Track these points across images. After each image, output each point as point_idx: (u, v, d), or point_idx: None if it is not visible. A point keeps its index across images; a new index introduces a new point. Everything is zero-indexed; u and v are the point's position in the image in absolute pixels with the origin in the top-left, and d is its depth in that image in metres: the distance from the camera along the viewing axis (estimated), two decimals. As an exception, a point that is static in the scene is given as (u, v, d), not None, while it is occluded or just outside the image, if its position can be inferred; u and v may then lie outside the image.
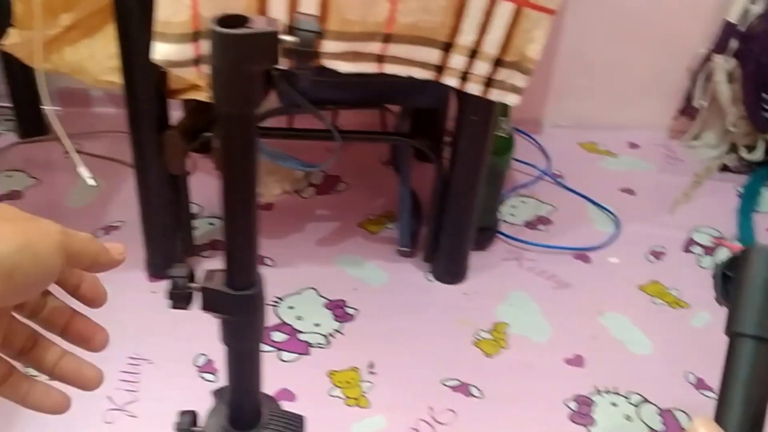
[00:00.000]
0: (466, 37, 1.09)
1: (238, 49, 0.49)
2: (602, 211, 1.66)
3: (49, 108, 1.33)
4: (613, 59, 1.86)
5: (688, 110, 1.91)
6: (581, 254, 1.53)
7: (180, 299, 0.60)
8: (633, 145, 1.92)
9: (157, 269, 1.37)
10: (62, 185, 1.58)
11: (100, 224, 1.48)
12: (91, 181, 1.26)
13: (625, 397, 1.22)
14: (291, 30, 0.49)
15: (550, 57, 1.84)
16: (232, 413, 0.69)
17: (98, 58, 1.26)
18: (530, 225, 1.60)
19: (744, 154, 1.84)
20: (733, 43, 1.75)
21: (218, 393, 0.75)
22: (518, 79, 1.14)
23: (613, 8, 1.77)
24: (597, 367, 1.28)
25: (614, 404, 1.21)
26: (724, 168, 1.84)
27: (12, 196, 1.53)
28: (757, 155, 1.83)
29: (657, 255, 1.55)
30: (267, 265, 1.42)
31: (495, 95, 1.15)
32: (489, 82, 1.14)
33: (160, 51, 1.05)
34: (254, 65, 0.50)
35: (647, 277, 1.48)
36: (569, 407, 1.20)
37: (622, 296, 1.44)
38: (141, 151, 1.23)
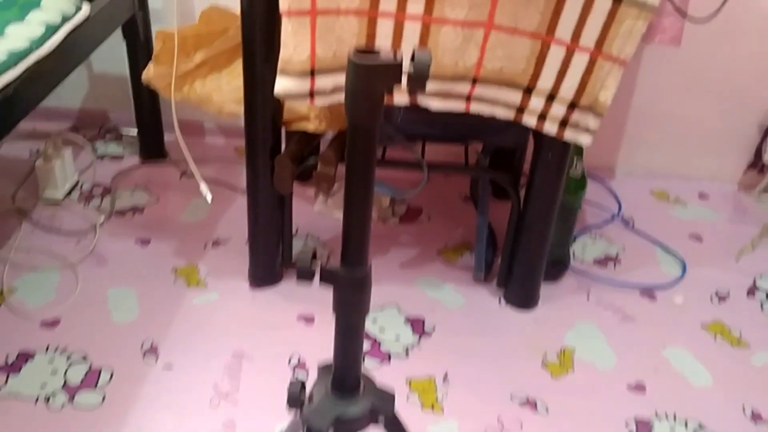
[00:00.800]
0: (545, 83, 1.23)
1: (370, 76, 0.64)
2: (669, 254, 1.74)
3: (176, 135, 1.51)
4: (685, 112, 1.94)
5: (757, 165, 1.97)
6: (647, 292, 1.61)
7: (304, 275, 0.74)
8: (702, 196, 1.99)
9: (257, 280, 1.53)
10: (177, 203, 1.78)
11: (210, 239, 1.66)
12: (209, 197, 1.43)
13: (683, 424, 1.29)
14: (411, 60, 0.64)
15: (624, 108, 1.96)
16: (335, 380, 0.83)
17: (224, 90, 1.45)
18: (599, 263, 1.69)
19: (814, 208, 1.89)
20: (805, 102, 1.82)
21: (322, 368, 0.88)
22: (591, 122, 1.26)
23: (686, 64, 1.87)
24: (658, 395, 1.35)
25: (673, 430, 1.28)
26: (793, 221, 1.89)
27: (134, 210, 1.73)
28: (828, 211, 1.88)
29: (721, 297, 1.61)
30: (354, 282, 1.56)
31: (569, 135, 1.27)
32: (564, 123, 1.26)
33: (281, 85, 1.22)
34: (381, 88, 0.65)
35: (710, 317, 1.55)
36: (629, 428, 1.28)
37: (685, 332, 1.51)
38: (255, 172, 1.40)
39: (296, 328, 1.44)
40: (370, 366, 1.36)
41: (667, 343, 1.47)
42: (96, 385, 1.27)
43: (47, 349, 1.34)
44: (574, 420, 1.29)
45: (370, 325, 1.45)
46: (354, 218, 0.72)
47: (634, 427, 1.28)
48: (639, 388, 1.37)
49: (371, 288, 0.77)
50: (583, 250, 1.73)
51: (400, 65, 0.63)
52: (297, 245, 1.64)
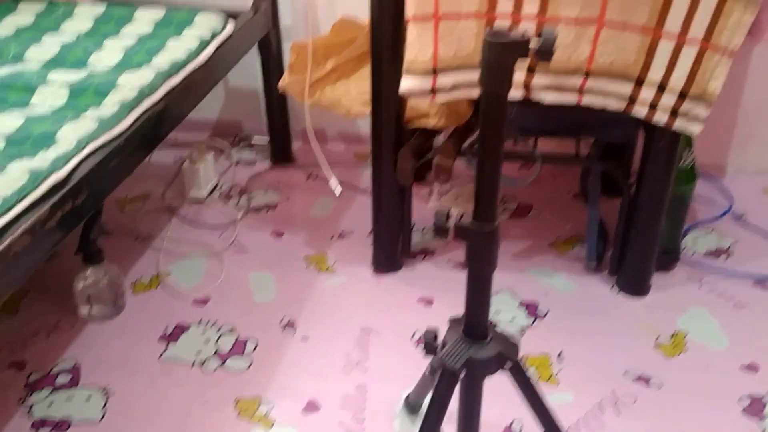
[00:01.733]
0: (655, 74, 1.30)
1: (501, 50, 0.75)
2: (784, 247, 1.75)
3: (309, 136, 1.68)
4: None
5: None
6: (760, 281, 1.63)
7: (440, 231, 0.85)
8: (820, 192, 1.98)
9: (381, 265, 1.66)
10: (305, 201, 1.94)
11: (336, 231, 1.81)
12: (338, 190, 1.58)
13: None
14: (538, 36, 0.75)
15: (734, 106, 1.98)
16: (467, 326, 0.94)
17: (352, 94, 1.60)
18: (711, 254, 1.72)
19: None
20: None
21: (453, 320, 0.99)
22: (701, 111, 1.31)
23: None
24: None
25: None
26: None
27: (268, 207, 1.91)
28: None
29: None
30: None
31: (679, 124, 1.33)
32: (675, 113, 1.33)
33: (406, 84, 1.36)
34: (511, 61, 0.76)
35: None
36: (742, 403, 1.31)
37: None
38: (380, 165, 1.53)
39: (417, 309, 1.55)
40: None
41: None
42: (243, 352, 1.43)
43: (200, 322, 1.51)
44: (687, 395, 1.34)
45: (486, 308, 1.55)
46: (486, 178, 0.83)
47: (747, 402, 1.32)
48: (752, 367, 1.40)
49: (498, 242, 0.88)
50: (695, 243, 1.76)
51: (528, 41, 0.74)
52: (416, 237, 1.76)
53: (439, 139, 1.61)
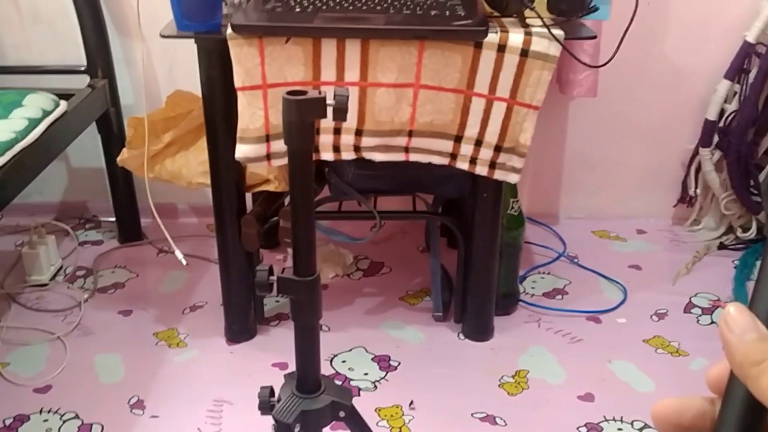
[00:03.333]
0: (471, 130, 1.40)
1: (300, 108, 0.80)
2: (612, 283, 1.89)
3: (152, 211, 1.67)
4: (614, 156, 2.14)
5: (686, 199, 2.16)
6: (593, 317, 1.76)
7: (263, 287, 0.88)
8: (640, 231, 2.17)
9: (233, 335, 1.65)
10: (156, 277, 1.91)
11: (187, 304, 1.79)
12: (183, 261, 1.57)
13: (630, 424, 1.42)
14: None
15: (559, 158, 2.15)
16: (299, 381, 0.95)
17: (192, 165, 1.61)
18: (548, 295, 1.84)
19: (740, 233, 2.07)
20: (716, 138, 2.02)
21: (288, 375, 1.01)
22: (516, 161, 1.43)
23: (606, 112, 2.07)
24: (605, 402, 1.47)
25: (620, 429, 1.40)
26: (722, 246, 2.06)
27: (116, 286, 1.86)
28: (752, 234, 2.06)
29: (660, 316, 1.76)
30: (323, 330, 1.68)
31: (498, 175, 1.44)
32: (493, 165, 1.44)
33: (241, 150, 1.39)
34: (310, 118, 0.81)
35: (651, 333, 1.69)
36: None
37: (628, 348, 1.64)
38: (224, 233, 1.55)
39: (272, 374, 1.55)
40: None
41: (613, 357, 1.61)
42: (88, 438, 1.37)
43: (41, 411, 1.44)
44: (530, 429, 1.40)
45: (339, 365, 1.57)
46: (300, 231, 0.87)
47: (584, 431, 1.40)
48: (588, 397, 1.49)
49: (321, 293, 0.91)
50: (533, 286, 1.88)
51: (323, 98, 0.80)
52: (269, 302, 1.77)
53: (286, 201, 1.65)
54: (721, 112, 1.99)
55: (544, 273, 1.94)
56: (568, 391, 1.51)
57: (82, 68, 1.88)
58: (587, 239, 2.13)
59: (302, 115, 0.80)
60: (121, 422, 1.41)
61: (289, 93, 0.80)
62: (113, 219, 2.09)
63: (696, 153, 2.07)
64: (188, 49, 1.43)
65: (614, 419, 1.43)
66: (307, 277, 0.89)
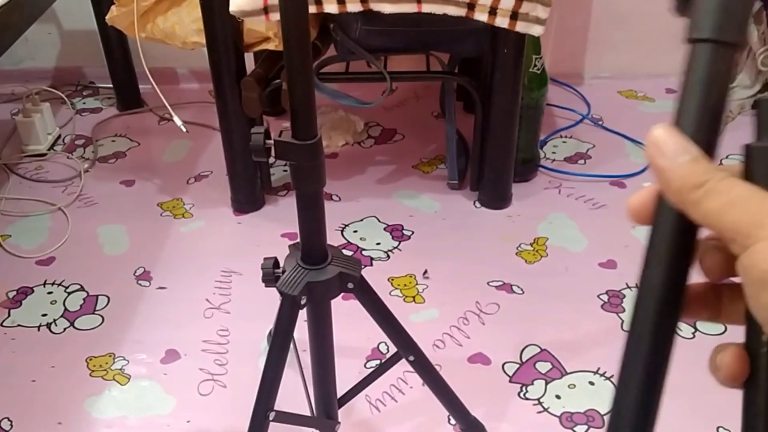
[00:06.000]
0: (492, -24, 1.27)
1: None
2: (638, 146, 1.80)
3: (150, 80, 1.58)
4: (647, 8, 1.98)
5: None
6: (617, 181, 1.68)
7: (259, 152, 0.80)
8: (670, 91, 2.04)
9: (240, 205, 1.60)
10: (158, 146, 1.84)
11: (192, 174, 1.73)
12: (183, 128, 1.49)
13: None
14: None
15: (585, 13, 2.00)
16: (303, 252, 0.89)
17: (185, 23, 1.49)
18: (570, 160, 1.75)
19: (777, 91, 1.94)
20: (759, -14, 1.85)
21: (292, 245, 0.95)
22: (540, 11, 1.30)
23: None
24: (628, 269, 1.42)
25: None
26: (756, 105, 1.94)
27: (117, 156, 1.80)
28: (791, 92, 1.94)
29: None
30: (333, 200, 1.63)
31: (521, 27, 1.32)
32: (515, 15, 1.31)
33: (235, 3, 1.27)
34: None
35: None
36: (602, 299, 1.35)
37: None
38: (223, 99, 1.46)
39: (281, 244, 1.51)
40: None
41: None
42: (94, 311, 1.35)
43: (44, 283, 1.41)
44: (548, 297, 1.36)
45: (350, 235, 1.52)
46: (297, 91, 0.78)
47: (606, 298, 1.36)
48: (610, 264, 1.44)
49: (324, 157, 0.83)
50: (554, 150, 1.79)
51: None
52: (277, 172, 1.70)
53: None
54: (768, -45, 1.81)
55: (566, 137, 1.85)
56: (589, 258, 1.45)
57: None
58: (613, 100, 2.02)
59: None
60: (128, 294, 1.38)
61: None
62: (111, 85, 1.99)
63: None
64: None
65: (637, 286, 1.38)
66: (308, 140, 0.81)
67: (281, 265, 0.94)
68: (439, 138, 1.83)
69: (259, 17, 1.29)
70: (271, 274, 0.92)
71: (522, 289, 1.38)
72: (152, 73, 2.06)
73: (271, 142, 0.82)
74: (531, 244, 1.49)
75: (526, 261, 1.45)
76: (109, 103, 2.01)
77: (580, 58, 2.08)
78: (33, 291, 1.39)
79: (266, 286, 0.94)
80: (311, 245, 0.89)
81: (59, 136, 1.86)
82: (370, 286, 0.94)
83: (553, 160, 1.75)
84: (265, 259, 0.93)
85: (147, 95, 2.00)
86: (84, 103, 2.02)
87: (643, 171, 1.70)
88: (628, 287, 1.38)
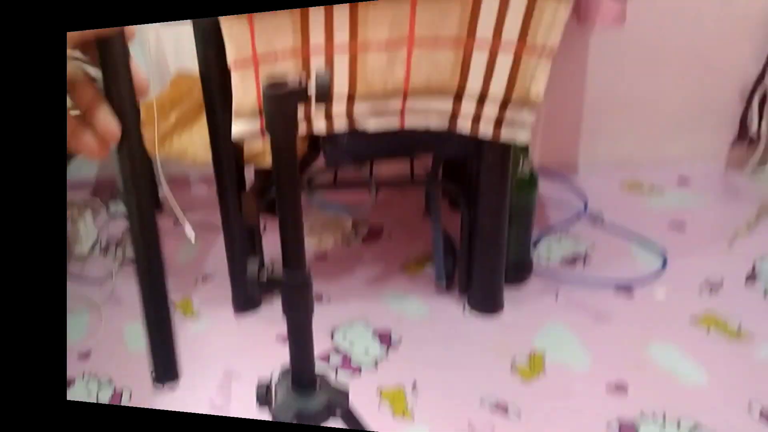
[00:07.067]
0: (474, 85, 1.43)
1: (280, 101, 0.88)
2: (646, 247, 1.85)
3: (165, 189, 1.86)
4: (647, 94, 2.06)
5: (745, 137, 2.02)
6: (623, 288, 1.74)
7: (254, 285, 0.98)
8: (683, 180, 2.10)
9: (240, 306, 1.83)
10: (173, 247, 2.10)
11: (200, 274, 1.98)
12: (192, 237, 1.77)
13: (676, 424, 1.37)
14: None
15: (578, 99, 2.13)
16: (293, 377, 1.06)
17: (197, 143, 1.78)
18: (567, 262, 1.87)
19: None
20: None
21: (284, 370, 1.12)
22: (526, 116, 1.45)
23: (637, 41, 1.96)
24: (642, 395, 1.44)
25: (662, 430, 1.36)
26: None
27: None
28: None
29: (713, 287, 1.69)
30: (323, 302, 1.80)
31: (506, 134, 1.47)
32: (499, 123, 1.46)
33: (237, 128, 1.48)
34: (292, 109, 0.89)
35: (701, 309, 1.63)
36: (611, 429, 1.38)
37: (671, 328, 1.61)
38: (226, 207, 1.70)
39: (275, 347, 1.68)
40: (341, 379, 1.58)
41: (650, 340, 1.58)
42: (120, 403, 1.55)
43: (83, 375, 1.66)
44: (548, 422, 1.42)
45: (340, 341, 1.68)
46: (288, 227, 0.96)
47: (616, 428, 1.38)
48: (620, 388, 1.47)
49: (311, 287, 1.01)
50: (549, 251, 1.91)
51: (304, 88, 0.88)
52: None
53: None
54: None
55: (561, 235, 1.97)
56: (595, 379, 1.49)
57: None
58: (614, 193, 2.10)
59: (283, 106, 0.88)
60: (145, 391, 1.59)
61: (268, 87, 0.88)
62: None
63: (760, 80, 1.91)
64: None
65: (654, 416, 1.40)
66: (298, 273, 0.98)
67: (273, 385, 1.10)
68: (427, 235, 1.99)
69: (257, 138, 1.50)
70: (264, 396, 1.08)
71: (519, 413, 1.45)
72: (168, 178, 2.37)
73: (266, 275, 1.00)
74: (528, 358, 1.59)
75: (522, 378, 1.54)
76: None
77: (573, 146, 2.18)
78: (74, 383, 1.64)
79: (259, 408, 1.10)
80: (301, 371, 1.06)
81: (97, 239, 2.20)
82: (356, 416, 1.10)
83: (549, 261, 1.88)
84: (258, 385, 1.09)
85: (165, 198, 2.26)
86: (117, 207, 2.33)
87: (653, 276, 1.75)
88: (643, 415, 1.39)
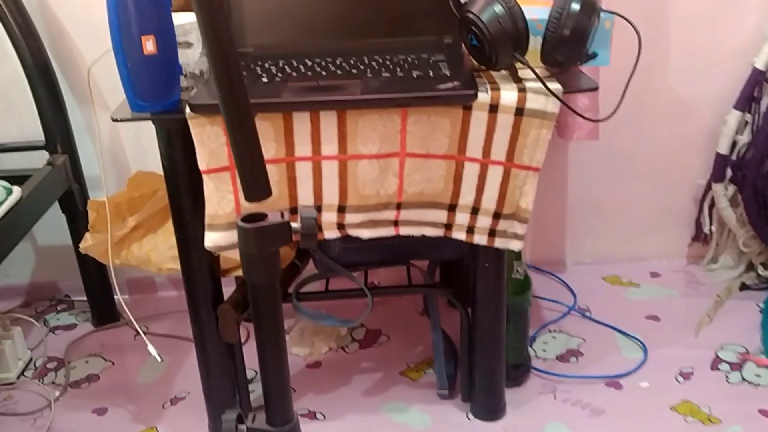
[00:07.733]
0: (466, 198, 1.27)
1: (259, 237, 0.67)
2: (629, 339, 1.75)
3: (120, 297, 1.54)
4: (621, 198, 2.02)
5: (701, 236, 2.03)
6: (613, 381, 1.61)
7: (233, 438, 0.74)
8: (654, 274, 2.03)
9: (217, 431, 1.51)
10: (133, 365, 1.76)
11: (168, 397, 1.64)
12: (158, 358, 1.43)
13: None
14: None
15: (561, 202, 2.02)
16: None
17: (161, 249, 1.47)
18: (562, 358, 1.70)
19: (761, 271, 1.93)
20: (729, 172, 1.89)
21: None
22: (518, 228, 1.30)
23: (609, 152, 1.95)
24: None
25: None
26: (744, 287, 1.92)
27: (90, 380, 1.72)
28: (774, 271, 1.93)
29: (686, 375, 1.61)
30: (318, 419, 1.54)
31: (499, 243, 1.31)
32: (492, 233, 1.30)
33: (211, 239, 1.26)
34: (272, 247, 0.67)
35: (678, 398, 1.55)
36: None
37: (655, 418, 1.50)
38: (200, 325, 1.41)
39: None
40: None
41: (639, 431, 1.47)
42: None
43: None
44: None
45: (337, 463, 1.43)
46: (271, 377, 0.73)
47: None
48: None
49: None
50: (545, 348, 1.74)
51: (287, 223, 0.66)
52: (256, 389, 1.62)
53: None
54: (733, 144, 1.87)
55: (555, 331, 1.80)
56: None
57: (41, 144, 1.75)
58: (598, 287, 2.00)
59: (263, 244, 0.66)
60: None
61: (245, 219, 0.66)
62: (85, 298, 1.95)
63: (708, 188, 1.94)
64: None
65: None
66: (283, 427, 0.75)
67: None
68: (425, 338, 1.77)
69: (235, 250, 1.26)
70: None
71: None
72: (130, 283, 2.03)
73: (244, 427, 0.76)
74: (531, 464, 1.40)
75: (527, 485, 1.36)
76: (84, 318, 1.95)
77: (560, 246, 2.09)
78: None
79: None
80: None
81: (30, 359, 1.79)
82: None
83: (545, 359, 1.70)
84: None
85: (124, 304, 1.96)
86: (58, 319, 1.97)
87: (637, 369, 1.65)
88: None
